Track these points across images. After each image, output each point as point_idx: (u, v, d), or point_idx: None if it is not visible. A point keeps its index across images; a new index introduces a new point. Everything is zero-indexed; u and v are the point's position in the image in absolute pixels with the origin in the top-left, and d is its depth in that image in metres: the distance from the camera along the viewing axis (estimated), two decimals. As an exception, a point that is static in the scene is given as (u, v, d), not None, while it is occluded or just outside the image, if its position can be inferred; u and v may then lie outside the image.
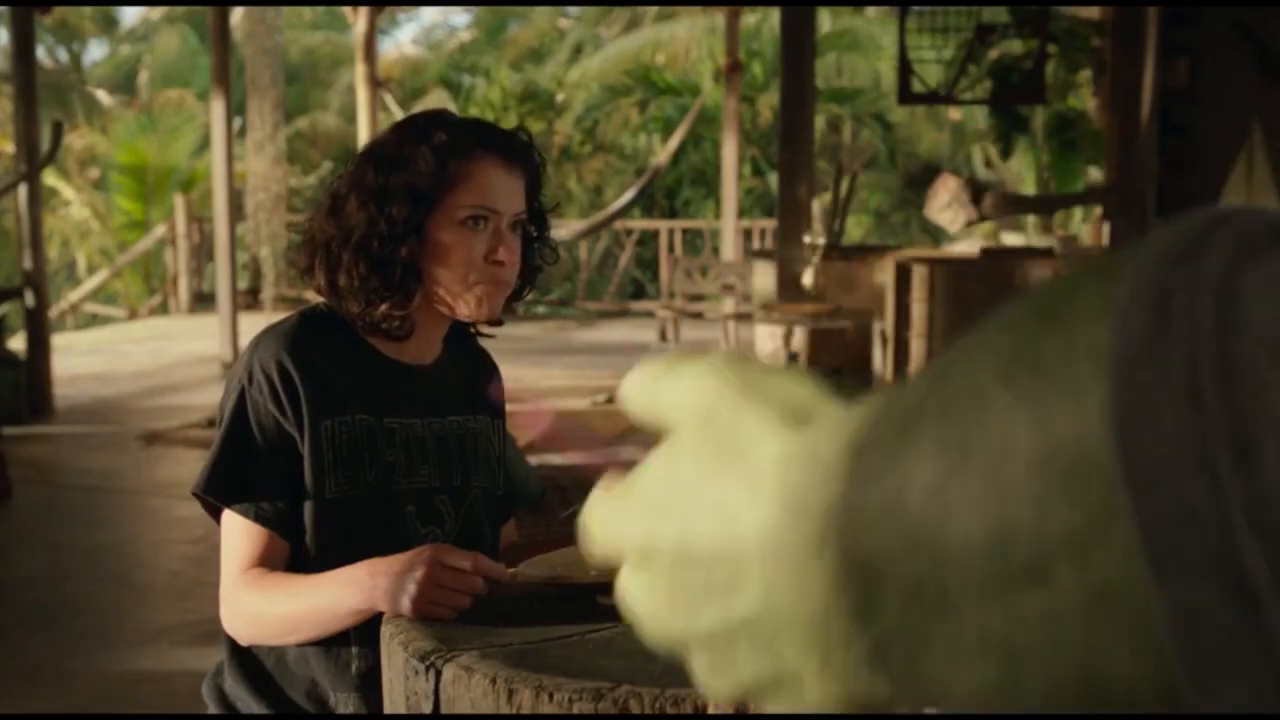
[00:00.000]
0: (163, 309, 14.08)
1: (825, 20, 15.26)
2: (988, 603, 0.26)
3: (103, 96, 18.97)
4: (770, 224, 11.91)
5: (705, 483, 0.33)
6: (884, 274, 6.63)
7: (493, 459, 1.62)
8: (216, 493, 1.44)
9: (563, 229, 11.06)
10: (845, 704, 0.31)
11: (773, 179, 12.75)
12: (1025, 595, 0.26)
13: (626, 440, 6.49)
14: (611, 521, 0.35)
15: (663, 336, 10.36)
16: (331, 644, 1.45)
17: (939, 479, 0.27)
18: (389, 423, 1.49)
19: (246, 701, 1.50)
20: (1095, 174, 10.92)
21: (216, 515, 1.47)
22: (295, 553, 1.45)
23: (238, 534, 1.44)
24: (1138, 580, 0.24)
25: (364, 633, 1.42)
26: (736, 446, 0.33)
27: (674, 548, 0.33)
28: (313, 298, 1.56)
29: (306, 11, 22.07)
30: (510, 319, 1.63)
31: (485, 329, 1.63)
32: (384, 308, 1.46)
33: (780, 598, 0.30)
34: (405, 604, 1.23)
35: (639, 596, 0.35)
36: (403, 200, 1.45)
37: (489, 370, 1.67)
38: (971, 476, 0.27)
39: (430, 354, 1.57)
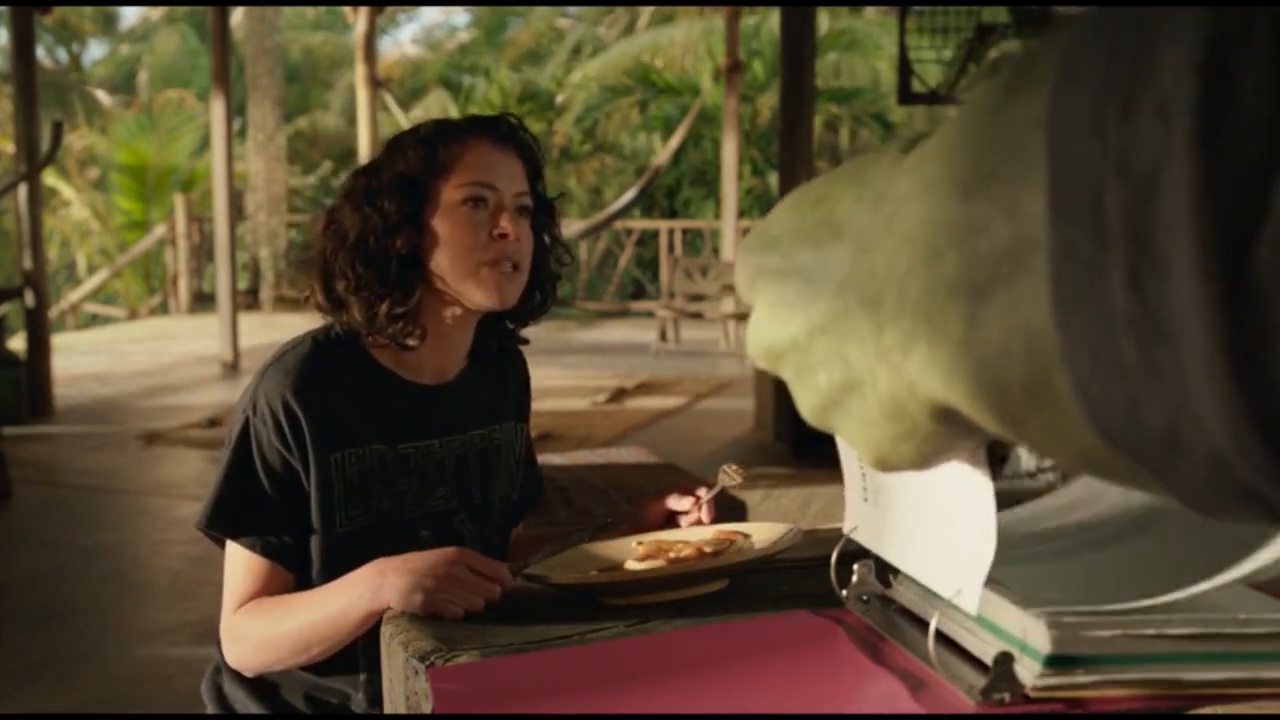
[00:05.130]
0: (163, 309, 14.10)
1: (825, 20, 15.26)
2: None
3: (103, 96, 18.98)
4: (770, 224, 11.91)
5: (804, 223, 0.41)
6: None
7: (513, 463, 1.60)
8: (220, 526, 1.41)
9: (563, 229, 11.04)
10: (892, 403, 0.37)
11: (773, 179, 12.76)
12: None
13: (626, 440, 6.49)
14: (743, 254, 0.44)
15: (663, 336, 10.35)
16: (332, 643, 1.45)
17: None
18: (402, 448, 1.46)
19: (244, 702, 1.50)
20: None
21: (221, 543, 1.44)
22: (301, 584, 1.41)
23: (241, 567, 1.41)
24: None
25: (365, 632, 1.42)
26: (823, 206, 0.41)
27: (778, 267, 0.42)
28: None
29: (307, 11, 22.08)
30: (535, 325, 1.59)
31: (520, 334, 1.58)
32: (384, 307, 1.42)
33: (848, 297, 0.38)
34: (418, 600, 1.16)
35: (755, 316, 0.43)
36: (393, 192, 1.43)
37: (518, 373, 1.62)
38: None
39: (453, 368, 1.53)
